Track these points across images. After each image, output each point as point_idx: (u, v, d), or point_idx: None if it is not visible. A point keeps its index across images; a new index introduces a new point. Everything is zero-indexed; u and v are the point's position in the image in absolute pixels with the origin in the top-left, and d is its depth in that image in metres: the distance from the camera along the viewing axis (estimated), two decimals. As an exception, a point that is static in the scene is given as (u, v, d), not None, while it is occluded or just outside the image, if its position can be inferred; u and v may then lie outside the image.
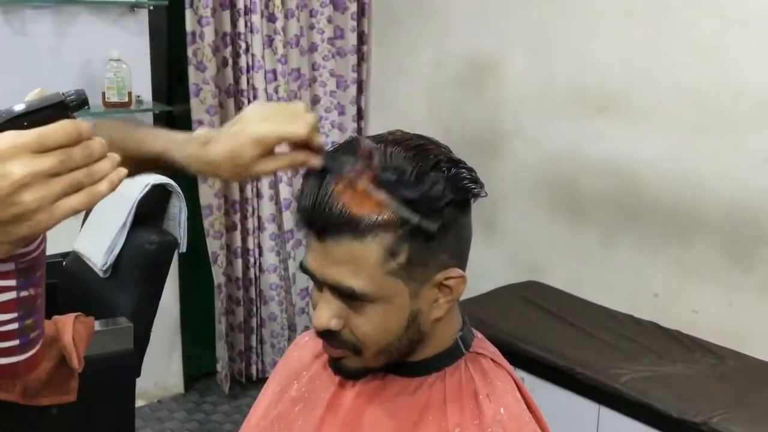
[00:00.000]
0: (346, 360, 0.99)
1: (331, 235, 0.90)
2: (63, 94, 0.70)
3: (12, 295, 0.77)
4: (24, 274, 0.77)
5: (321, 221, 0.90)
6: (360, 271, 0.91)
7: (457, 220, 0.94)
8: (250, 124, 0.96)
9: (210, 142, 0.98)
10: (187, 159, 0.99)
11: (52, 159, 0.67)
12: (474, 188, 0.94)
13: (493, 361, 1.05)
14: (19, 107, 0.67)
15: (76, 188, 0.68)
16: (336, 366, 1.01)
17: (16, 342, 0.79)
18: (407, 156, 0.91)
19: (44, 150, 0.66)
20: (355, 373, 1.01)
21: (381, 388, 1.02)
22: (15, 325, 0.78)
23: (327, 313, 0.95)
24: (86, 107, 0.72)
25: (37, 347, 0.82)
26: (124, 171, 0.72)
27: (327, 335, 0.97)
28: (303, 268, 0.96)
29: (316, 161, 0.93)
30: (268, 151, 0.96)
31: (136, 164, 0.99)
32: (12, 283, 0.77)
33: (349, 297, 0.93)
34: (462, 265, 0.97)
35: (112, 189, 0.71)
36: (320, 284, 0.96)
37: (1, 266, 0.76)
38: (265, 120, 0.96)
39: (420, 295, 0.95)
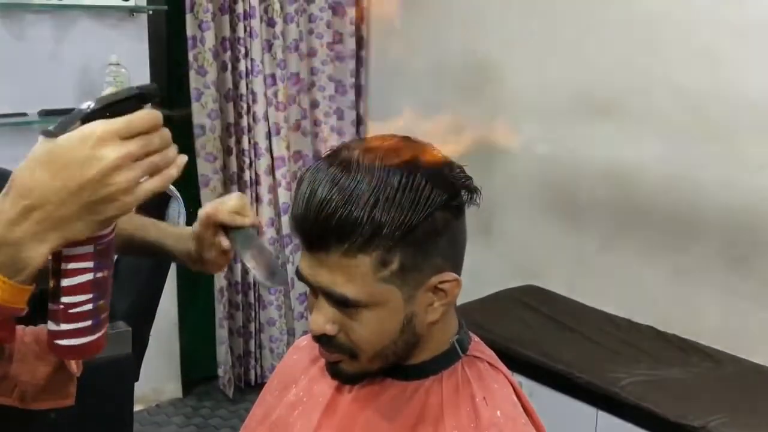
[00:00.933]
0: (343, 364, 0.99)
1: (319, 248, 0.90)
2: (137, 87, 0.78)
3: (89, 276, 0.82)
4: (100, 256, 0.82)
5: (310, 235, 0.91)
6: (353, 279, 0.90)
7: (450, 224, 0.93)
8: None
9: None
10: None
11: (137, 144, 0.75)
12: (466, 184, 0.94)
13: (490, 364, 1.05)
14: (103, 99, 0.75)
15: (153, 172, 0.77)
16: (333, 370, 1.01)
17: (88, 323, 0.84)
18: (398, 162, 0.90)
19: (131, 136, 0.75)
20: (352, 377, 1.01)
21: (378, 392, 1.02)
22: (89, 306, 0.83)
23: (322, 318, 0.95)
24: (157, 100, 0.80)
25: (105, 328, 0.87)
26: (185, 157, 0.81)
27: (323, 340, 0.97)
28: (298, 274, 0.97)
29: None
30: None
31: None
32: (89, 265, 0.81)
33: (343, 303, 0.93)
34: (457, 269, 0.97)
35: (179, 174, 0.80)
36: (315, 290, 0.96)
37: (81, 249, 0.81)
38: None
39: (414, 299, 0.94)
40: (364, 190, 0.87)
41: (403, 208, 0.88)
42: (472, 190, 0.95)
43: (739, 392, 2.44)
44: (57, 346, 0.84)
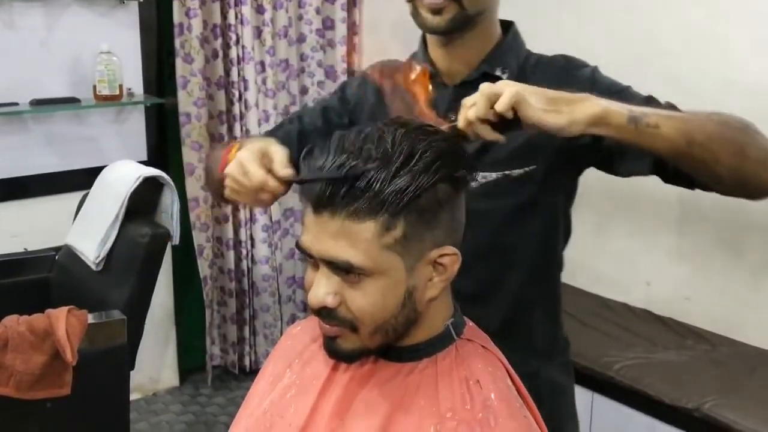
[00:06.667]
0: (342, 340, 0.99)
1: (326, 208, 0.92)
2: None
3: None
4: None
5: (320, 192, 0.92)
6: (356, 245, 0.92)
7: (452, 198, 0.95)
8: None
9: None
10: None
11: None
12: (468, 161, 0.97)
13: (484, 347, 1.05)
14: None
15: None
16: (331, 347, 1.01)
17: None
18: (409, 132, 0.94)
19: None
20: (349, 354, 1.01)
21: (373, 373, 1.03)
22: None
23: (323, 289, 0.95)
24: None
25: None
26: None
27: (323, 313, 0.97)
28: (299, 247, 0.97)
29: None
30: None
31: None
32: None
33: (346, 271, 0.93)
34: (456, 246, 0.99)
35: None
36: (315, 261, 0.96)
37: None
38: None
39: (415, 271, 0.95)
40: (375, 154, 0.91)
41: (412, 175, 0.91)
42: (473, 168, 0.98)
43: (734, 374, 2.45)
44: None
